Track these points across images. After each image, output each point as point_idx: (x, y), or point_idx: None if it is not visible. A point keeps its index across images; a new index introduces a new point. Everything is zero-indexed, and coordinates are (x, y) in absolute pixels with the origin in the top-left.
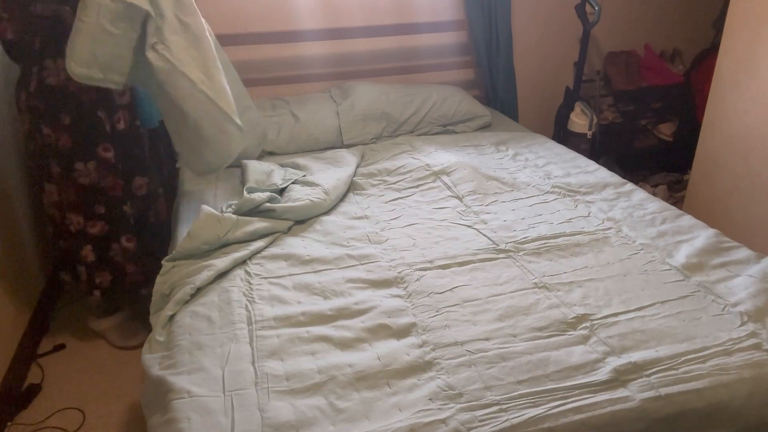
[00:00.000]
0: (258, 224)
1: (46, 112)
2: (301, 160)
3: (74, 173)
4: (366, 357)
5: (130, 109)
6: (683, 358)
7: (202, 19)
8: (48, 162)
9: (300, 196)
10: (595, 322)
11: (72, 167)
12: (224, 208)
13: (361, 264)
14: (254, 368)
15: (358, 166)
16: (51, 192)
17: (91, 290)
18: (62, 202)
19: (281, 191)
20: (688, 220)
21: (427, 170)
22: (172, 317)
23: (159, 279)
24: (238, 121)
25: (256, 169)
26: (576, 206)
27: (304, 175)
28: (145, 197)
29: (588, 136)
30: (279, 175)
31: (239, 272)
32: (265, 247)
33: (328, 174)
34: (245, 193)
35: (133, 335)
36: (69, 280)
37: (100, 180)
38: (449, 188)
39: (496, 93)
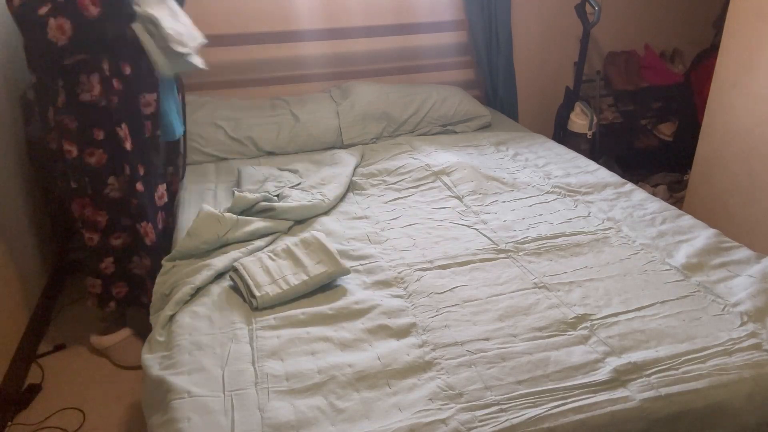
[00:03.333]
0: (258, 224)
1: (78, 129)
2: (299, 165)
3: (107, 188)
4: (366, 357)
5: (154, 120)
6: (683, 358)
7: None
8: (78, 179)
9: (298, 199)
10: (595, 322)
11: (105, 182)
12: (222, 210)
13: (361, 264)
14: (254, 368)
15: (357, 166)
16: (79, 209)
17: (108, 302)
18: (91, 219)
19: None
20: (688, 220)
21: (427, 170)
22: (172, 317)
23: (159, 279)
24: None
25: (250, 177)
26: (576, 206)
27: (299, 183)
28: (167, 205)
29: (588, 136)
30: (273, 184)
31: None
32: (265, 247)
33: (324, 175)
34: (235, 193)
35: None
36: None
37: (128, 193)
38: (449, 188)
39: (496, 93)
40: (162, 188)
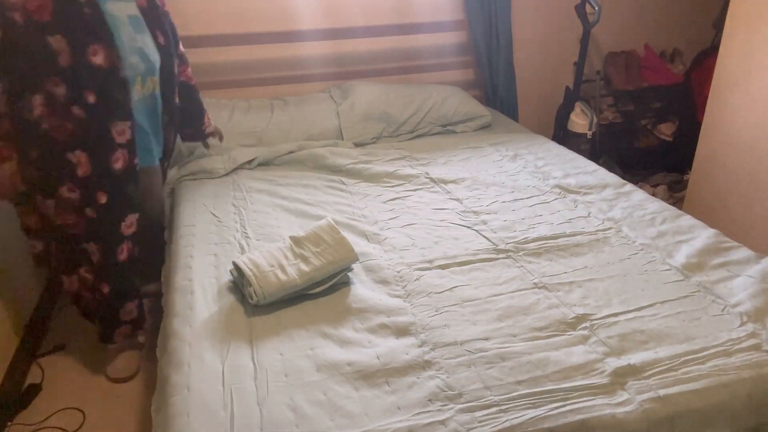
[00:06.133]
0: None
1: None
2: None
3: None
4: (365, 355)
5: (130, 148)
6: (683, 359)
7: None
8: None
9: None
10: (594, 322)
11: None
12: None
13: (360, 263)
14: (254, 363)
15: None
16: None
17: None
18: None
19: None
20: (688, 220)
21: (426, 177)
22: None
23: None
24: None
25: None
26: (576, 206)
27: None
28: (135, 234)
29: (588, 136)
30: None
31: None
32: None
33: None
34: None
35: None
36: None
37: (56, 218)
38: (449, 193)
39: (496, 93)
40: (132, 218)
